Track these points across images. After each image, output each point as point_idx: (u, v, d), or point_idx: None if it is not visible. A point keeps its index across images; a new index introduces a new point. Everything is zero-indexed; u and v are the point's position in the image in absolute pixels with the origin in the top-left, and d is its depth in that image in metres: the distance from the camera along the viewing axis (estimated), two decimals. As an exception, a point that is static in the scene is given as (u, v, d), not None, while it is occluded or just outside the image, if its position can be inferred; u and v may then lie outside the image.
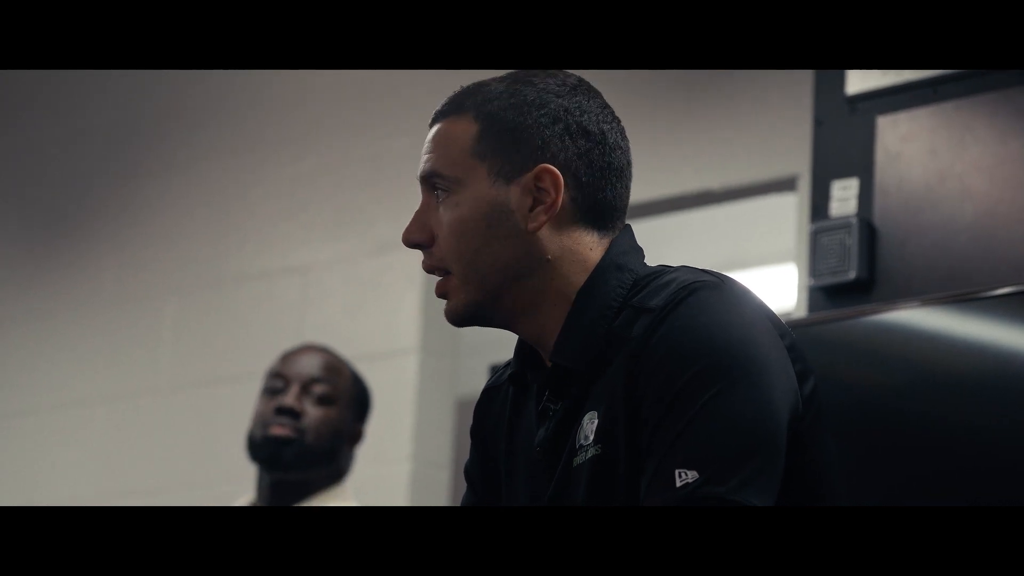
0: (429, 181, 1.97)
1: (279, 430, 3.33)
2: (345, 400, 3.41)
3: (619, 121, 2.00)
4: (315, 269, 4.94)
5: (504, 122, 1.95)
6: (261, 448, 3.35)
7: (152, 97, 5.48)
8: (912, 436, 2.34)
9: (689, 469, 1.78)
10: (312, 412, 3.36)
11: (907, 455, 2.33)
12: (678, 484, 1.77)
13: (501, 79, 2.00)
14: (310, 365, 3.42)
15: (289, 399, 3.36)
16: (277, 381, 3.40)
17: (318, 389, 3.38)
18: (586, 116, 1.97)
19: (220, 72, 5.26)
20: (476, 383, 2.57)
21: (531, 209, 1.94)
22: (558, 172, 1.94)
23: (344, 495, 3.38)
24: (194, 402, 5.08)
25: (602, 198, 1.96)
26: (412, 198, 2.00)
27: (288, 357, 3.46)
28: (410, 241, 1.98)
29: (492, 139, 1.95)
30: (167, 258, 5.28)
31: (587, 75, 2.05)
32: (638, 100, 4.32)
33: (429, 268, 1.99)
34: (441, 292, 1.99)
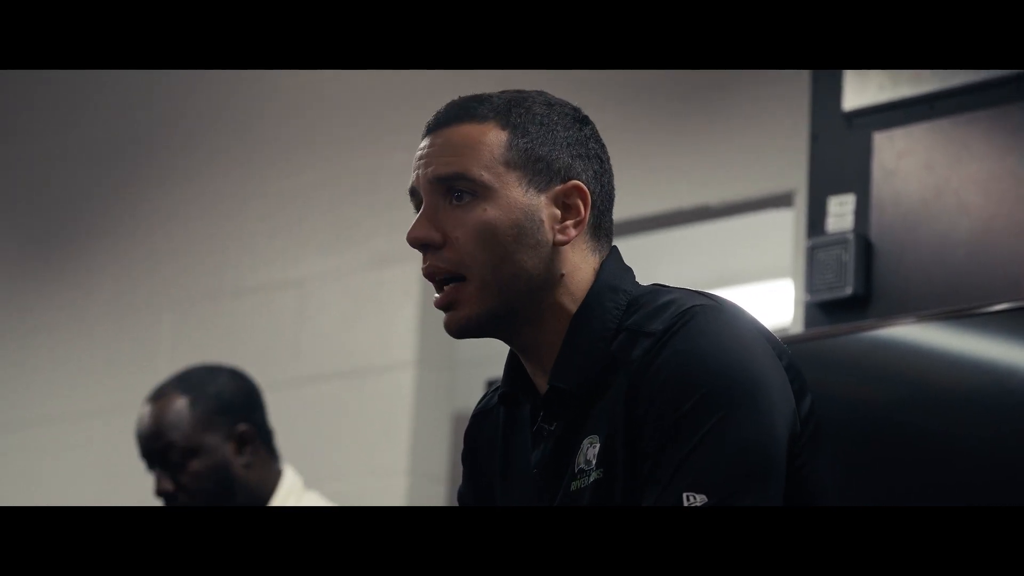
0: (449, 183, 1.95)
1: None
2: (203, 436, 3.16)
3: None
4: (312, 282, 4.93)
5: (534, 136, 1.96)
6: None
7: (149, 109, 5.48)
8: (908, 451, 2.34)
9: (697, 492, 1.79)
10: (184, 480, 3.14)
11: (903, 470, 2.33)
12: (685, 507, 1.79)
13: (509, 94, 2.00)
14: (149, 439, 3.17)
15: (161, 484, 3.16)
16: (144, 461, 3.20)
17: (172, 456, 3.15)
18: (597, 143, 2.01)
19: (217, 84, 5.26)
20: (473, 397, 2.57)
21: (559, 223, 1.95)
22: (587, 189, 1.96)
23: (296, 490, 3.23)
24: (190, 415, 5.07)
25: (605, 220, 2.00)
26: (410, 212, 1.98)
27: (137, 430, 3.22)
28: (423, 240, 1.94)
29: (524, 150, 1.95)
30: (164, 271, 5.28)
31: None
32: (635, 115, 4.32)
33: (435, 271, 1.95)
34: (448, 301, 1.94)
